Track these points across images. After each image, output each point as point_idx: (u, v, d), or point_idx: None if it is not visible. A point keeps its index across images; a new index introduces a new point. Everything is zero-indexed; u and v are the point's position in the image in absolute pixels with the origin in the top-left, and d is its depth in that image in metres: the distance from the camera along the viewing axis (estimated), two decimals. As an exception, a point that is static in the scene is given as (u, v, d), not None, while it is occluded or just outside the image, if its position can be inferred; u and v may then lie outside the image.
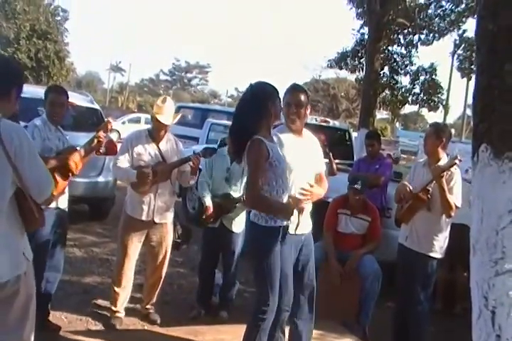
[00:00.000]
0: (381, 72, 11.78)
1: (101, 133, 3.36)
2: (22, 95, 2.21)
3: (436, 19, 11.90)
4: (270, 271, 2.78)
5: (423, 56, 12.94)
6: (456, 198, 3.57)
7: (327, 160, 5.33)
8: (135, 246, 3.72)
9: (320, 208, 4.63)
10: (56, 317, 3.67)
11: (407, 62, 12.43)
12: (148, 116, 3.82)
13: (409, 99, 12.57)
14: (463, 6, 11.49)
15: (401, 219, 3.83)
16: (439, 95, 12.75)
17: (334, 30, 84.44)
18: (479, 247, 1.64)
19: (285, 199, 2.84)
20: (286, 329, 3.12)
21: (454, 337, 4.16)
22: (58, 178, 3.09)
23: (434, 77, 12.40)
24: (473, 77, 1.94)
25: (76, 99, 6.49)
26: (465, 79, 18.75)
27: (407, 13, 11.45)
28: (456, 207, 3.56)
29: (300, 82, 41.24)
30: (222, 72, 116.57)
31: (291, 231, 2.89)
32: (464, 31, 12.61)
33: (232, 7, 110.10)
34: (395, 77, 12.46)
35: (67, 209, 3.53)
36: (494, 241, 1.59)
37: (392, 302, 4.13)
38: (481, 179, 1.67)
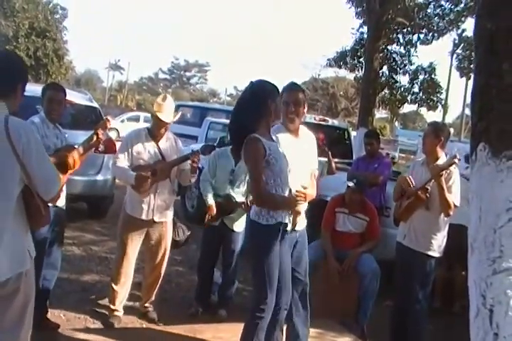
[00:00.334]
0: (380, 71, 11.77)
1: (99, 131, 3.36)
2: (20, 93, 2.22)
3: (436, 18, 11.91)
4: (269, 270, 2.79)
5: (422, 55, 12.98)
6: (454, 197, 3.57)
7: (326, 159, 5.35)
8: (134, 244, 3.72)
9: (318, 207, 4.66)
10: (55, 315, 3.67)
11: (406, 61, 12.45)
12: (148, 115, 3.84)
13: (408, 98, 12.58)
14: (462, 5, 11.50)
15: (399, 218, 3.84)
16: (438, 94, 12.77)
17: (333, 29, 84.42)
18: (477, 246, 1.65)
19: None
20: (285, 327, 3.13)
21: (453, 336, 4.17)
22: None
23: (433, 76, 12.42)
24: (472, 76, 1.94)
25: (75, 97, 6.49)
26: (464, 78, 18.77)
27: (407, 12, 11.45)
28: (455, 206, 3.57)
29: (299, 81, 41.13)
30: (221, 70, 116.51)
31: (288, 228, 2.90)
32: (463, 30, 12.67)
33: (230, 6, 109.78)
34: (394, 76, 12.47)
35: (64, 207, 3.53)
36: (492, 239, 1.60)
37: (390, 300, 4.13)
38: (479, 178, 1.67)
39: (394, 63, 12.40)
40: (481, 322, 1.61)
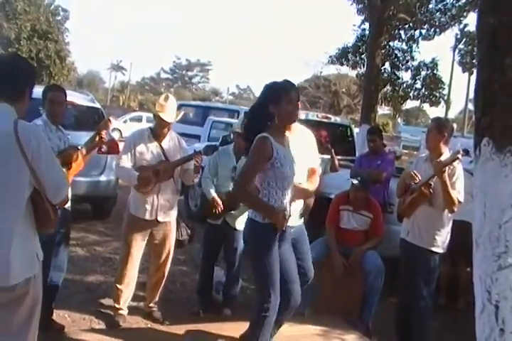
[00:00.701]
0: (382, 68, 11.74)
1: (102, 131, 3.36)
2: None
3: (437, 14, 11.86)
4: (269, 268, 2.79)
5: (424, 51, 12.95)
6: (458, 193, 3.55)
7: (329, 157, 5.33)
8: (139, 245, 3.73)
9: (321, 204, 4.65)
10: (59, 316, 3.67)
11: (408, 57, 12.39)
12: (150, 115, 3.83)
13: (411, 94, 12.54)
14: (464, 0, 11.44)
15: (403, 214, 3.82)
16: (441, 90, 12.72)
17: (335, 26, 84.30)
18: (482, 241, 1.64)
19: (284, 203, 2.83)
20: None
21: (458, 332, 4.15)
22: None
23: (435, 72, 12.37)
24: (475, 71, 1.94)
25: (77, 98, 6.50)
26: (466, 73, 18.71)
27: (408, 8, 11.40)
28: (459, 201, 3.55)
29: (301, 78, 41.15)
30: (223, 69, 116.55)
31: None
32: (465, 26, 12.62)
33: (230, 5, 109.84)
34: (396, 72, 12.42)
35: (70, 209, 3.53)
36: (497, 235, 1.59)
37: (395, 297, 4.13)
38: (483, 173, 1.66)
39: (396, 59, 12.35)
40: (487, 318, 1.60)
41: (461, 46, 14.46)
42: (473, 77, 2.19)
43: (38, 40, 27.13)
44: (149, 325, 3.78)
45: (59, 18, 29.55)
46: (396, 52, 12.39)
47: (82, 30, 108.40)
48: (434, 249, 3.64)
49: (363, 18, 12.24)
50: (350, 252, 4.19)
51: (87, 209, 6.82)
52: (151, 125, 3.88)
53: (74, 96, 6.11)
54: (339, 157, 5.96)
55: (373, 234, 4.33)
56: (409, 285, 3.73)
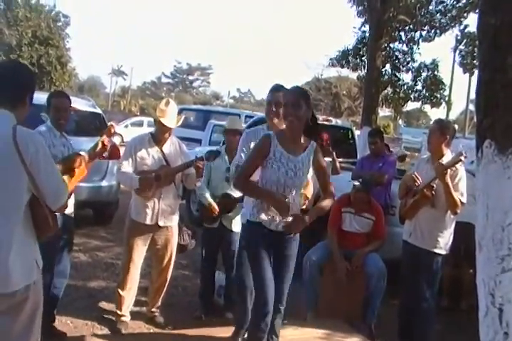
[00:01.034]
0: (383, 70, 11.74)
1: (105, 138, 3.36)
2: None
3: (438, 15, 11.86)
4: (256, 268, 2.85)
5: (425, 52, 12.94)
6: (461, 195, 3.54)
7: (330, 159, 5.31)
8: (140, 250, 3.72)
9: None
10: (62, 322, 3.66)
11: (409, 59, 12.40)
12: (151, 120, 3.84)
13: (412, 96, 12.53)
14: (464, 1, 11.43)
15: (404, 216, 3.81)
16: (442, 91, 12.71)
17: (335, 28, 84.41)
18: (485, 244, 1.62)
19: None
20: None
21: (460, 334, 4.13)
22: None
23: (436, 73, 12.37)
24: (476, 72, 1.93)
25: (78, 103, 6.49)
26: (467, 74, 18.66)
27: (408, 9, 11.41)
28: (462, 203, 3.53)
29: (302, 81, 41.18)
30: (223, 73, 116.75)
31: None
32: (466, 26, 12.57)
33: (231, 7, 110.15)
34: (397, 74, 12.43)
35: (73, 215, 3.53)
36: (500, 237, 1.57)
37: (397, 300, 4.10)
38: (485, 175, 1.65)
39: (396, 61, 12.36)
40: (491, 321, 1.58)
41: (461, 47, 14.42)
42: (474, 78, 2.18)
43: (39, 46, 27.23)
44: (152, 330, 3.77)
45: (60, 24, 29.66)
46: (396, 53, 12.41)
47: (82, 36, 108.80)
48: (436, 251, 3.62)
49: (363, 20, 12.26)
50: (352, 255, 4.17)
51: (88, 215, 6.82)
52: (152, 130, 3.88)
53: (75, 102, 6.08)
54: (340, 159, 5.95)
55: (375, 237, 4.31)
56: (411, 287, 3.71)
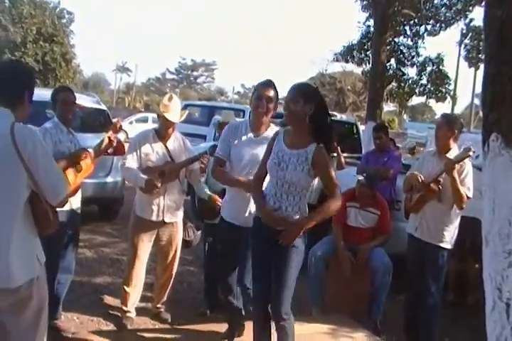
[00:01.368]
0: (388, 64, 11.67)
1: (111, 134, 3.36)
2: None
3: (443, 9, 11.77)
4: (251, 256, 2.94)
5: (430, 46, 12.85)
6: (468, 189, 3.52)
7: (335, 154, 5.29)
8: (145, 246, 3.72)
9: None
10: (68, 318, 3.68)
11: (414, 53, 12.30)
12: (156, 116, 3.81)
13: (417, 90, 12.45)
14: (469, -6, 11.35)
15: (410, 210, 3.79)
16: (447, 86, 12.62)
17: (340, 23, 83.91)
18: (492, 238, 1.61)
19: (276, 202, 2.79)
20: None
21: (466, 329, 4.11)
22: (70, 179, 3.09)
23: (441, 67, 12.27)
24: (481, 66, 1.90)
25: (83, 100, 6.49)
26: (472, 68, 18.55)
27: (413, 3, 11.32)
28: (468, 197, 3.52)
29: (306, 76, 41.05)
30: (228, 69, 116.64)
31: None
32: (471, 20, 12.48)
33: (236, 3, 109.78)
34: (402, 68, 12.34)
35: (79, 211, 3.53)
36: (507, 232, 1.56)
37: (403, 295, 4.09)
38: (492, 169, 1.63)
39: (401, 55, 12.27)
40: (498, 316, 1.57)
41: (466, 41, 14.31)
42: (480, 72, 2.15)
43: (43, 43, 27.31)
44: (157, 326, 3.78)
45: (64, 20, 29.72)
46: (401, 48, 12.31)
47: (87, 33, 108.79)
48: (442, 245, 3.61)
49: (367, 14, 12.16)
50: (357, 250, 4.16)
51: (94, 211, 6.83)
52: (156, 126, 3.87)
53: (80, 99, 6.07)
54: (345, 154, 5.94)
55: (380, 232, 4.30)
56: (417, 282, 3.70)
